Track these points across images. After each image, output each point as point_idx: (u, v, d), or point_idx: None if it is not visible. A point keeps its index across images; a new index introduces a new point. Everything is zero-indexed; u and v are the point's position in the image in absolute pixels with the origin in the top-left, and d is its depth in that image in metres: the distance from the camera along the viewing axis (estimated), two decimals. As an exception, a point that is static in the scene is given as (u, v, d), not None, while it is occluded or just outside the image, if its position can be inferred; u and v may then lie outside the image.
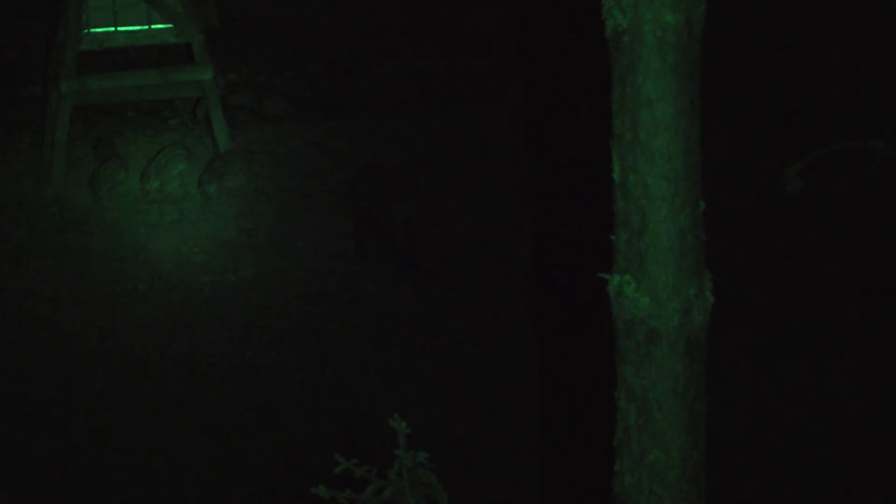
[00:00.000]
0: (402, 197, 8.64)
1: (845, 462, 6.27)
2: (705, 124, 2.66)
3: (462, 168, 10.45)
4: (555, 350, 7.51)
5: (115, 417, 6.93)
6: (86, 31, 9.56)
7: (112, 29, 9.73)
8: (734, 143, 10.01)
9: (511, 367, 7.36)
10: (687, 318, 2.70)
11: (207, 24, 10.05)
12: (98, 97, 9.77)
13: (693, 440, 2.79)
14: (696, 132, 2.65)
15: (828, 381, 7.09)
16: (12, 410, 7.01)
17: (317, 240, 9.26)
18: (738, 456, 6.30)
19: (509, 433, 6.65)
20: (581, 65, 8.86)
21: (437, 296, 8.37)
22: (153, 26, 9.75)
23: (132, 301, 8.19)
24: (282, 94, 11.70)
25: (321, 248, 9.14)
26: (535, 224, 8.91)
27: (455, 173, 10.34)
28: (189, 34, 9.64)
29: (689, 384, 2.75)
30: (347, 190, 9.07)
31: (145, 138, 10.07)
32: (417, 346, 7.67)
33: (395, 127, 11.26)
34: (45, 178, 9.53)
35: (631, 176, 2.64)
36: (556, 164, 9.77)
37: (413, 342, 7.72)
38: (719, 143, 8.94)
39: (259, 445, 6.46)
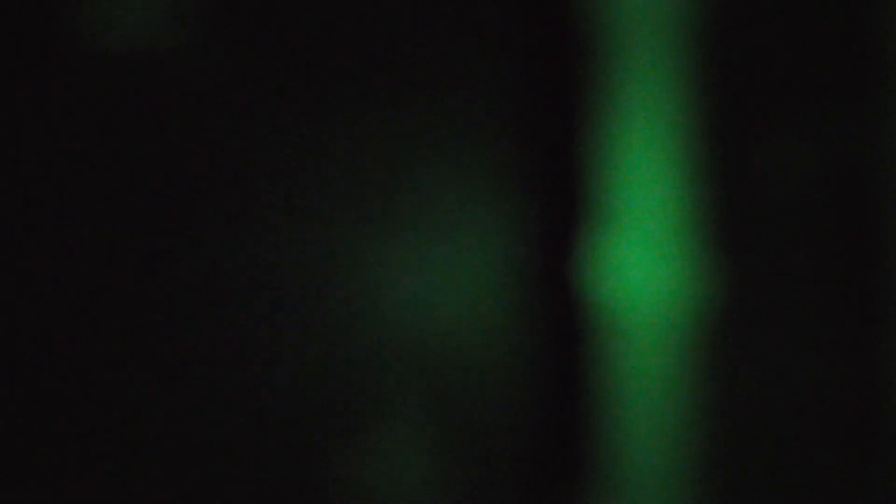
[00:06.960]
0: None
1: (843, 453, 6.27)
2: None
3: (449, 156, 10.48)
4: (545, 336, 7.51)
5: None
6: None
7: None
8: (731, 130, 10.05)
9: (500, 354, 7.37)
10: (680, 307, 2.69)
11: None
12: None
13: (686, 432, 2.78)
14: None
15: (826, 371, 7.10)
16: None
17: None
18: (732, 449, 6.31)
19: (497, 419, 6.65)
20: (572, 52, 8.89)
21: (427, 281, 8.38)
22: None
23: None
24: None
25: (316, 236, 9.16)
26: (524, 211, 8.92)
27: (443, 162, 10.37)
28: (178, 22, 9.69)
29: (683, 375, 2.74)
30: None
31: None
32: (407, 328, 7.67)
33: (388, 115, 11.31)
34: None
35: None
36: (547, 150, 9.79)
37: (403, 324, 7.73)
38: (716, 130, 8.95)
39: (248, 432, 6.47)
